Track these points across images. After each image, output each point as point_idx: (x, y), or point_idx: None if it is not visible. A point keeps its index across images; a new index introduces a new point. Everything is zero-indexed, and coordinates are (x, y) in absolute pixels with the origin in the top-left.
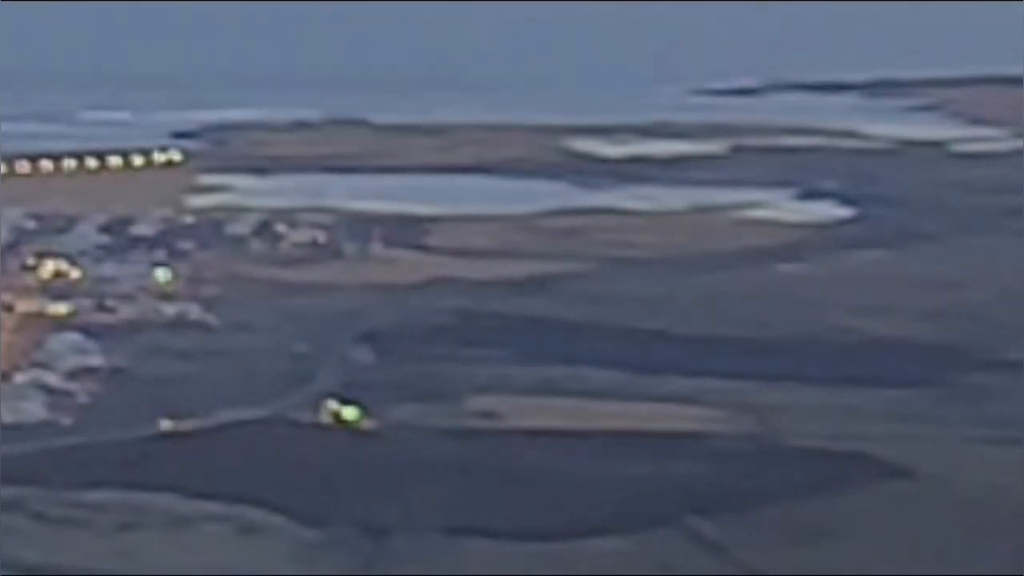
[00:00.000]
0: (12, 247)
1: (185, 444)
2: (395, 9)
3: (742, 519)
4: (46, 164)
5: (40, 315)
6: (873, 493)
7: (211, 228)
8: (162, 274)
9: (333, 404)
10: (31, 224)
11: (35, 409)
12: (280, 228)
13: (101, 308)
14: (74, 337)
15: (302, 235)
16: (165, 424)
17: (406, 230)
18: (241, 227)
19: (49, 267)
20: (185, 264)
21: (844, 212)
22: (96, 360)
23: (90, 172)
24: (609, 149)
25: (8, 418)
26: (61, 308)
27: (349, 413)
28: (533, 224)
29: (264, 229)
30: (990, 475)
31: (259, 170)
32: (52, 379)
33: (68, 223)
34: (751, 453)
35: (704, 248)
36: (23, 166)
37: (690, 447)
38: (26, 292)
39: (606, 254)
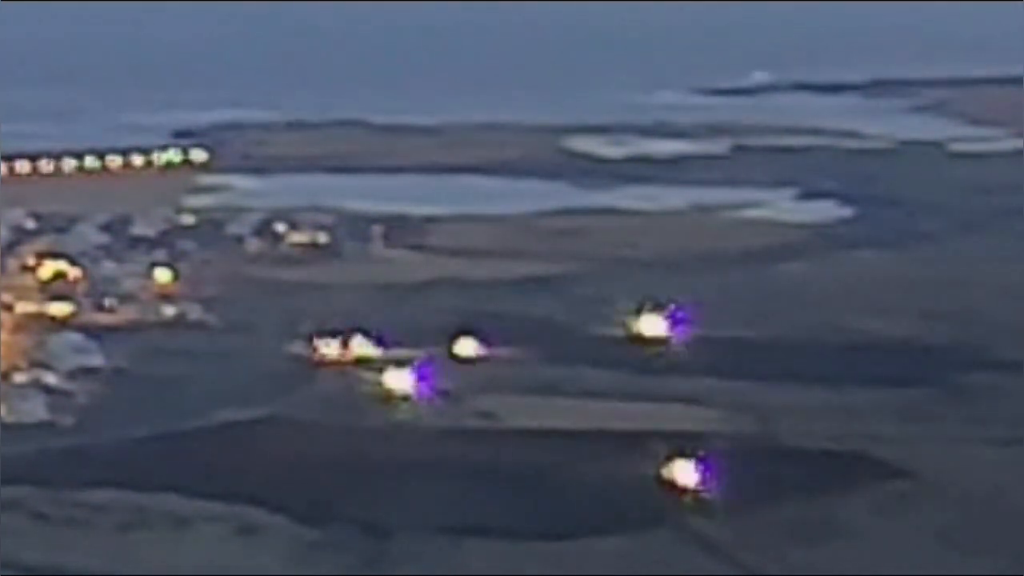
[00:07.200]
0: (12, 247)
1: (185, 444)
2: (394, 8)
3: (742, 519)
4: (46, 164)
5: (40, 315)
6: (873, 493)
7: (211, 228)
8: (162, 274)
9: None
10: (31, 224)
11: (35, 409)
12: (280, 228)
13: (101, 308)
14: (74, 337)
15: (302, 235)
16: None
17: (406, 230)
18: (241, 227)
19: (49, 267)
20: (185, 264)
21: (844, 212)
22: (96, 360)
23: (90, 172)
24: (609, 149)
25: (8, 418)
26: (61, 308)
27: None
28: (533, 224)
29: (264, 229)
30: (990, 475)
31: (259, 170)
32: (52, 379)
33: (68, 223)
34: (751, 453)
35: (704, 248)
36: (23, 166)
37: (690, 447)
38: (26, 292)
39: (606, 254)
